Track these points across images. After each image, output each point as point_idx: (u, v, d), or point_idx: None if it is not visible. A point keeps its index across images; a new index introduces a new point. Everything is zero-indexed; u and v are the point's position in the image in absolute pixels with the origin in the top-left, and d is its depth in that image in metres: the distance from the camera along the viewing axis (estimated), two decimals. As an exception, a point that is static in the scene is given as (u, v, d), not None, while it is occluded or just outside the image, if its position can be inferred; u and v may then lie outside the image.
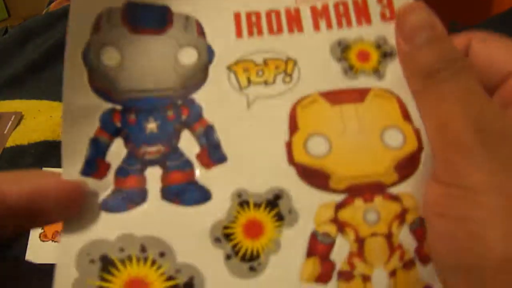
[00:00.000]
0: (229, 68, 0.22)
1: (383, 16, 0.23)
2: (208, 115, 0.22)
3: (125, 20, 0.22)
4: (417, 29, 0.21)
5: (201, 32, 0.23)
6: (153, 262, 0.20)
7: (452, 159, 0.19)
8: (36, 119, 0.57)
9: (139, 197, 0.20)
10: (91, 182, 0.20)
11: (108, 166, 0.21)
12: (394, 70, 0.22)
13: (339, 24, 0.23)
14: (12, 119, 0.57)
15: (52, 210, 0.19)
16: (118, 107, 0.22)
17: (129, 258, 0.19)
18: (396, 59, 0.22)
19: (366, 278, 0.20)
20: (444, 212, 0.19)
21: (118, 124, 0.21)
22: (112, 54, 0.22)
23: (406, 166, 0.21)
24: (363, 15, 0.23)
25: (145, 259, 0.19)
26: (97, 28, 0.22)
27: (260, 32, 0.23)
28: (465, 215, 0.18)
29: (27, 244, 0.44)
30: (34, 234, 0.45)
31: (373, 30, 0.23)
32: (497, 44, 0.21)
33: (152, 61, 0.22)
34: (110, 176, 0.21)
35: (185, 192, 0.20)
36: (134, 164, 0.21)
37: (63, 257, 0.19)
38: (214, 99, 0.22)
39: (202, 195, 0.20)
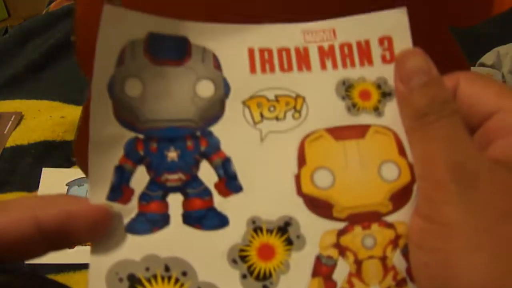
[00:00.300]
0: (244, 103, 0.24)
1: (384, 58, 0.25)
2: (225, 148, 0.24)
3: (147, 51, 0.24)
4: (413, 73, 0.23)
5: (217, 65, 0.25)
6: (177, 281, 0.22)
7: (431, 195, 0.22)
8: (36, 119, 0.57)
9: (162, 221, 0.22)
10: (116, 207, 0.22)
11: (132, 192, 0.23)
12: (392, 109, 0.25)
13: (344, 64, 0.25)
14: (12, 119, 0.57)
15: (81, 232, 0.21)
16: (141, 136, 0.23)
17: (154, 277, 0.22)
18: (394, 99, 0.25)
19: None
20: (422, 244, 0.22)
21: (141, 153, 0.23)
22: (135, 86, 0.23)
23: (400, 197, 0.24)
24: (366, 56, 0.25)
25: (169, 278, 0.22)
26: (121, 61, 0.23)
27: (272, 69, 0.25)
28: (439, 247, 0.21)
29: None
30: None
31: (374, 71, 0.25)
32: (483, 84, 0.24)
33: (172, 92, 0.24)
34: (134, 201, 0.23)
35: (205, 218, 0.23)
36: (156, 190, 0.23)
37: (94, 277, 0.21)
38: (231, 133, 0.24)
39: (220, 221, 0.23)
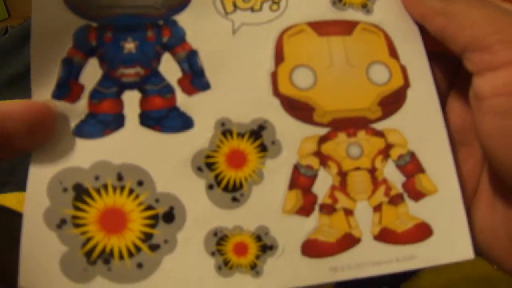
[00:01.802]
0: None
1: None
2: (192, 40, 0.20)
3: None
4: None
5: None
6: (131, 191, 0.19)
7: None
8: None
9: (116, 122, 0.19)
10: (63, 106, 0.19)
11: (82, 89, 0.19)
12: (382, 6, 0.22)
13: None
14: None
15: (20, 135, 0.18)
16: (94, 24, 0.20)
17: (105, 187, 0.18)
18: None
19: (348, 212, 0.20)
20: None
21: (93, 43, 0.20)
22: None
23: (391, 102, 0.21)
24: None
25: (122, 188, 0.19)
26: None
27: None
28: None
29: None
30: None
31: None
32: None
33: None
34: (84, 99, 0.19)
35: (165, 118, 0.20)
36: (110, 86, 0.20)
37: (33, 186, 0.18)
38: (198, 23, 0.21)
39: (183, 123, 0.20)
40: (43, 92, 0.19)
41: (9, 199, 0.48)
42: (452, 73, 0.23)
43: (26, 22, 0.65)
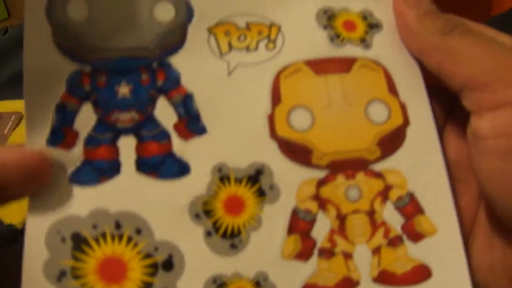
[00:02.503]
0: (210, 30, 0.21)
1: None
2: (186, 82, 0.20)
3: None
4: None
5: None
6: (129, 240, 0.19)
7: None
8: (36, 119, 0.57)
9: (112, 169, 0.19)
10: (58, 153, 0.19)
11: (76, 135, 0.19)
12: (381, 41, 0.22)
13: None
14: (12, 119, 0.57)
15: (15, 184, 0.17)
16: (87, 68, 0.20)
17: (103, 236, 0.18)
18: (383, 31, 0.22)
19: (347, 256, 0.20)
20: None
21: (87, 88, 0.20)
22: (79, 7, 0.20)
23: (390, 142, 0.21)
24: None
25: (121, 237, 0.19)
26: None
27: None
28: None
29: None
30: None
31: (358, 3, 0.22)
32: None
33: (124, 16, 0.20)
34: (79, 146, 0.19)
35: (162, 165, 0.19)
36: (105, 132, 0.20)
37: (31, 237, 0.18)
38: (193, 65, 0.20)
39: (180, 168, 0.19)
40: (37, 139, 0.19)
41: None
42: (448, 107, 0.23)
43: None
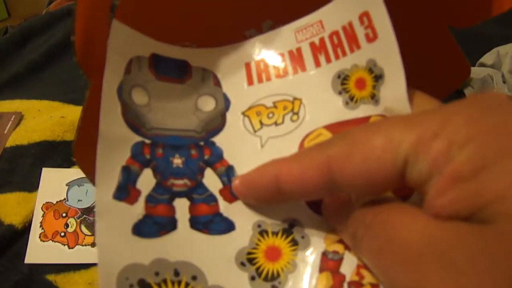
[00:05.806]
0: (244, 113, 0.26)
1: (368, 37, 0.25)
2: (228, 157, 0.24)
3: (151, 67, 0.25)
4: None
5: (217, 83, 0.26)
6: (187, 285, 0.21)
7: None
8: (36, 119, 0.56)
9: (170, 224, 0.22)
10: (122, 207, 0.22)
11: (138, 193, 0.23)
12: (386, 93, 0.24)
13: (336, 55, 0.26)
14: (12, 119, 0.57)
15: None
16: (147, 141, 0.24)
17: (165, 282, 0.21)
18: (385, 80, 0.24)
19: (374, 286, 0.22)
20: None
21: (148, 156, 0.23)
22: (141, 95, 0.24)
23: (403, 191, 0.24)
24: (353, 40, 0.25)
25: (179, 282, 0.21)
26: (128, 70, 0.24)
27: (268, 78, 0.26)
28: None
29: (27, 243, 0.44)
30: (34, 234, 0.45)
31: (363, 54, 0.25)
32: None
33: (175, 105, 0.25)
34: (141, 202, 0.22)
35: (211, 223, 0.23)
36: (163, 193, 0.23)
37: (105, 284, 0.20)
38: (232, 142, 0.25)
39: (226, 226, 0.23)
40: (105, 193, 0.22)
41: (9, 199, 0.49)
42: None
43: (26, 22, 0.64)
